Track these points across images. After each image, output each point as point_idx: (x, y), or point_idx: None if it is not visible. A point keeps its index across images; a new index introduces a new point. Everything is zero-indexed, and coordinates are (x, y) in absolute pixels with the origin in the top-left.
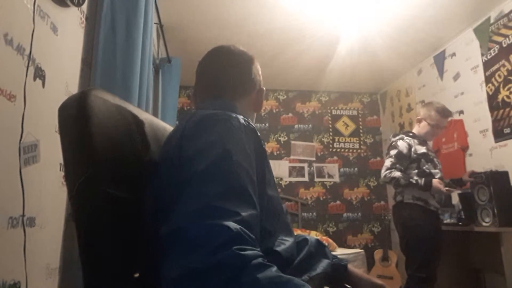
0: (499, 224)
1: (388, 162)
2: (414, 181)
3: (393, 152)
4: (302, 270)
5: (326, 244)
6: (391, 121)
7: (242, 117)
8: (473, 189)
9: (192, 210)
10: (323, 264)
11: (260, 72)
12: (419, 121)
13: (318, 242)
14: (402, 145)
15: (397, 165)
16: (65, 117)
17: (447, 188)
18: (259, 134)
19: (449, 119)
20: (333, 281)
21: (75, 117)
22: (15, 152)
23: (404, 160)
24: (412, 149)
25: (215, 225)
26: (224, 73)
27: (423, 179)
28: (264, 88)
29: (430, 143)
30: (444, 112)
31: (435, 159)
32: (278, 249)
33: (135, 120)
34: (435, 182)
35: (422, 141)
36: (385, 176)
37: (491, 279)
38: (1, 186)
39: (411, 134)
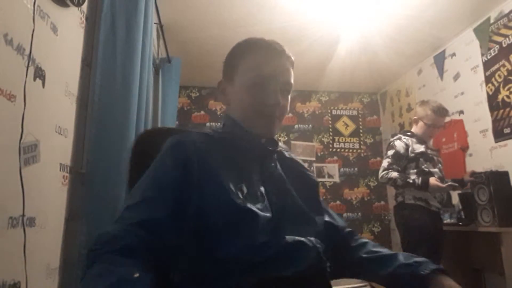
0: (499, 224)
1: (385, 163)
2: (411, 181)
3: (390, 152)
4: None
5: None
6: (391, 121)
7: (181, 136)
8: (473, 189)
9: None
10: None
11: (233, 63)
12: (416, 121)
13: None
14: (399, 145)
15: (394, 166)
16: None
17: (447, 184)
18: (197, 145)
19: (446, 118)
20: None
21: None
22: (15, 152)
23: (402, 160)
24: (410, 149)
25: (103, 231)
26: None
27: (420, 178)
28: (230, 79)
29: (431, 142)
30: (440, 111)
31: (435, 158)
32: (219, 254)
33: None
34: (432, 180)
35: (421, 140)
36: (382, 177)
37: (491, 279)
38: (1, 186)
39: (409, 133)
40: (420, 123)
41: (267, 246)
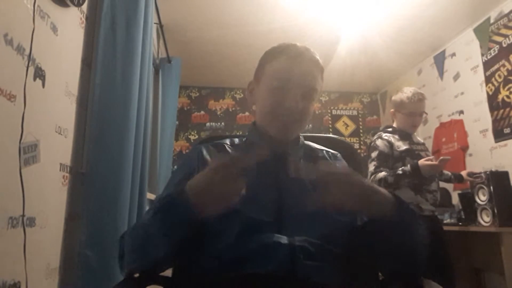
0: (499, 224)
1: (371, 167)
2: (401, 172)
3: (374, 154)
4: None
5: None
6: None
7: (195, 147)
8: (473, 189)
9: None
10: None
11: (262, 65)
12: (393, 114)
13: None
14: (381, 144)
15: (381, 168)
16: None
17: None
18: (203, 156)
19: (425, 102)
20: None
21: None
22: (15, 152)
23: (388, 160)
24: (393, 146)
25: None
26: None
27: (408, 165)
28: (255, 82)
29: (430, 140)
30: (415, 96)
31: (421, 153)
32: (209, 251)
33: None
34: (422, 162)
35: (404, 135)
36: (372, 181)
37: (491, 279)
38: (1, 186)
39: (390, 129)
40: (399, 115)
41: (243, 246)
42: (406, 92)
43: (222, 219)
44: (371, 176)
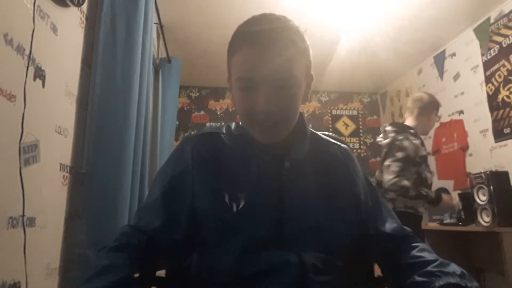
0: (499, 224)
1: (395, 167)
2: (424, 193)
3: (400, 154)
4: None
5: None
6: (391, 121)
7: (187, 139)
8: (473, 189)
9: None
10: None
11: (229, 57)
12: (421, 114)
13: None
14: (410, 147)
15: (406, 172)
16: None
17: (456, 201)
18: (199, 152)
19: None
20: None
21: None
22: (15, 152)
23: (412, 166)
24: (418, 152)
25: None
26: None
27: (433, 192)
28: (232, 81)
29: (430, 140)
30: (439, 104)
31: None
32: (205, 263)
33: None
34: (445, 197)
35: (422, 139)
36: (394, 183)
37: (491, 279)
38: (1, 186)
39: (412, 131)
40: (428, 117)
41: (246, 263)
42: (433, 95)
43: (219, 232)
44: (394, 176)
